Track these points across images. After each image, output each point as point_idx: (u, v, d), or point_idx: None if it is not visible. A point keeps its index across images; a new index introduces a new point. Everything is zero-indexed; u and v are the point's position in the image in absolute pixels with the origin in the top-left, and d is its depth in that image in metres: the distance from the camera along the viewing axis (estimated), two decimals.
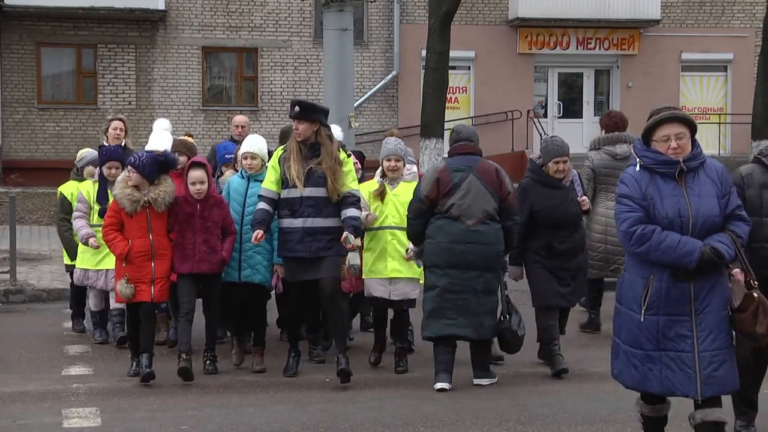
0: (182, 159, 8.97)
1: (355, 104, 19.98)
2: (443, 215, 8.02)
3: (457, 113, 25.90)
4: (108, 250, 8.53)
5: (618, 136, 10.42)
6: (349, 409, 7.43)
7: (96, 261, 9.44)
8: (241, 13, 25.63)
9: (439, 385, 7.96)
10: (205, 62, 25.75)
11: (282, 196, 8.17)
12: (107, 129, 10.30)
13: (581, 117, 27.39)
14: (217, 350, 8.78)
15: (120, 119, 10.39)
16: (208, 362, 8.53)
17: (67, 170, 10.63)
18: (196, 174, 8.30)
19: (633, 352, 5.64)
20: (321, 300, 8.24)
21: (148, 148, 9.15)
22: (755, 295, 5.56)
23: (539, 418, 7.21)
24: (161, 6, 24.67)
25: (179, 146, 9.33)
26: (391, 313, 8.81)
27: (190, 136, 11.89)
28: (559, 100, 27.44)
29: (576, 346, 8.60)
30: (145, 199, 8.12)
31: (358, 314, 10.08)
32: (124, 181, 8.22)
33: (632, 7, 26.29)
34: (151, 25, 25.17)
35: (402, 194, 8.54)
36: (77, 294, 10.34)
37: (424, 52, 21.60)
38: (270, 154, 8.72)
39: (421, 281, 8.43)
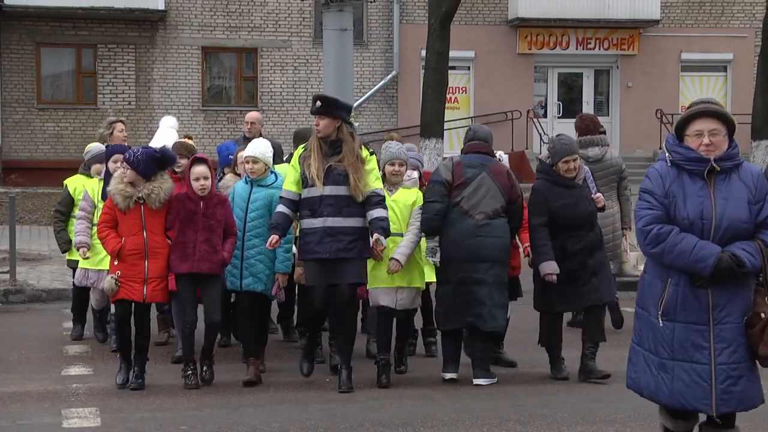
0: (183, 162, 8.73)
1: (355, 104, 20.03)
2: (453, 208, 8.14)
3: (456, 113, 25.92)
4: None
5: (590, 139, 10.34)
6: (349, 409, 7.42)
7: (97, 261, 9.37)
8: (241, 13, 25.64)
9: (448, 375, 8.20)
10: (204, 62, 25.76)
11: (302, 196, 7.88)
12: (112, 132, 10.21)
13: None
14: (216, 350, 8.70)
15: (122, 121, 10.40)
16: (204, 369, 8.13)
17: (67, 170, 10.64)
18: (199, 169, 7.97)
19: (651, 357, 5.31)
20: (334, 305, 8.01)
21: (151, 144, 9.07)
22: (762, 315, 5.17)
23: (539, 418, 7.20)
24: (161, 6, 24.69)
25: (180, 148, 9.11)
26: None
27: (189, 138, 11.80)
28: (558, 100, 27.45)
29: (576, 347, 8.58)
30: (138, 195, 7.83)
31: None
32: (119, 177, 7.97)
33: (632, 7, 26.31)
34: (151, 25, 25.17)
35: (401, 199, 8.37)
36: (79, 299, 10.13)
37: (423, 52, 21.62)
38: (276, 155, 8.54)
39: (433, 282, 8.55)
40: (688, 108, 5.31)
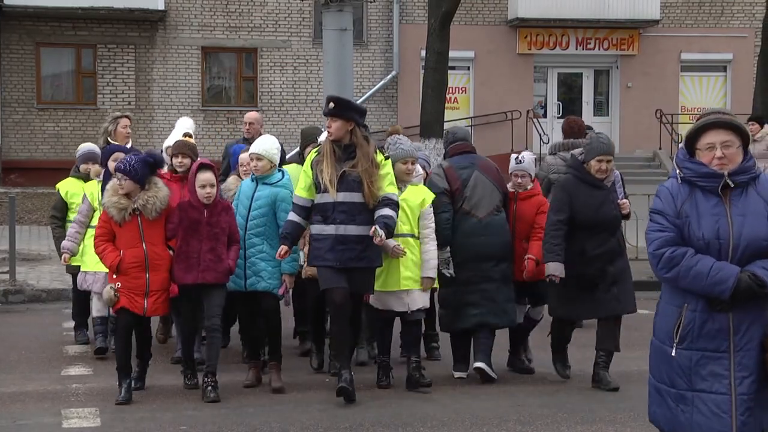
0: (185, 162, 8.57)
1: None
2: (455, 212, 8.24)
3: (456, 113, 25.90)
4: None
5: (573, 142, 10.25)
6: (349, 409, 7.42)
7: (95, 262, 9.19)
8: (241, 13, 25.64)
9: (458, 374, 8.34)
10: (204, 62, 25.75)
11: (315, 202, 7.64)
12: (116, 128, 10.01)
13: (581, 117, 27.33)
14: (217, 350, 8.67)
15: (127, 116, 10.27)
16: (209, 388, 7.64)
17: (66, 170, 10.59)
18: (206, 176, 7.66)
19: (665, 389, 4.90)
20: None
21: (165, 144, 9.02)
22: None
23: (539, 418, 7.21)
24: (161, 6, 24.68)
25: (182, 148, 8.82)
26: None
27: (189, 136, 11.67)
28: (558, 101, 27.44)
29: (576, 347, 8.59)
30: (134, 206, 7.55)
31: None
32: (113, 189, 7.66)
33: (632, 8, 26.30)
34: (151, 25, 25.17)
35: (410, 198, 8.03)
36: (79, 303, 9.96)
37: (423, 52, 21.61)
38: (280, 155, 8.28)
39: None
40: (697, 120, 4.93)
